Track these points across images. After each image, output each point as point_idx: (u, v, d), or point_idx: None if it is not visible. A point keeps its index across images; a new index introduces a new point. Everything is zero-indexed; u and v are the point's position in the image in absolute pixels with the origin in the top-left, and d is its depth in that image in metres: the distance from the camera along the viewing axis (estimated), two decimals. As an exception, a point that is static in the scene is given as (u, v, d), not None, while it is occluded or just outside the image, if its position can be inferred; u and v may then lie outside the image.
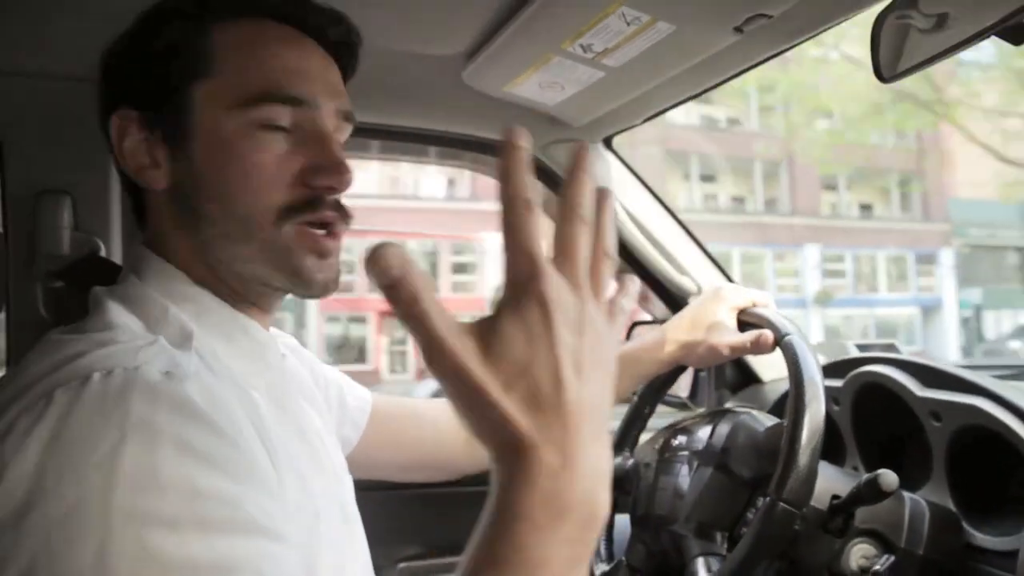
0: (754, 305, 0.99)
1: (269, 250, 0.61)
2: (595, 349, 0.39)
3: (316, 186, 0.61)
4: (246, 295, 0.65)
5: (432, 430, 1.02)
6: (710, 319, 0.98)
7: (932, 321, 18.21)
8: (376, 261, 0.33)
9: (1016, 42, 0.53)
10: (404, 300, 0.34)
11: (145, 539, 0.42)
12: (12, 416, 0.47)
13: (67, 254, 1.00)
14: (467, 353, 0.36)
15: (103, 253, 1.03)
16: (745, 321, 0.98)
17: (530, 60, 0.95)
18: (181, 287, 0.62)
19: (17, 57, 0.95)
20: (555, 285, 0.37)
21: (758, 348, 0.93)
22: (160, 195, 0.63)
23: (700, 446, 0.93)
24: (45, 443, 0.45)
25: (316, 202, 0.61)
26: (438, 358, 0.36)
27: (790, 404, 0.80)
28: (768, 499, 0.78)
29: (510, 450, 0.37)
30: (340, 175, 0.62)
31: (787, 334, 0.87)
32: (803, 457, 0.77)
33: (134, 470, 0.44)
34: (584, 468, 0.37)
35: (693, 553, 0.87)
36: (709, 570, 0.84)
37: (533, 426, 0.36)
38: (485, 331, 0.37)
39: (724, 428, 0.92)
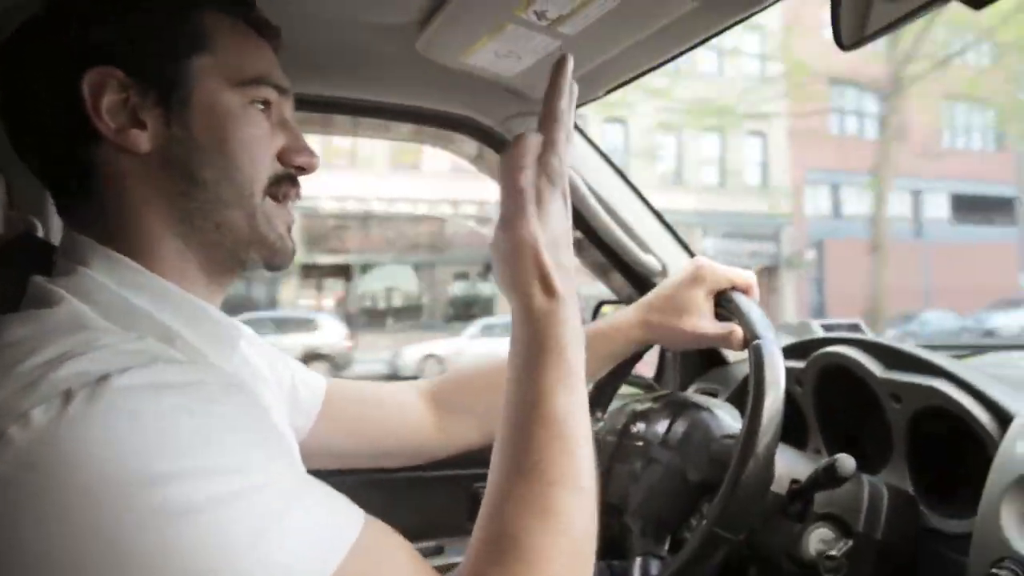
0: (733, 288, 0.93)
1: (255, 218, 0.65)
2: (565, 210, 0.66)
3: (293, 165, 0.68)
4: (209, 269, 0.65)
5: (398, 414, 0.99)
6: (686, 302, 0.93)
7: None
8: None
9: (976, 6, 0.51)
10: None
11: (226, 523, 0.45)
12: (21, 408, 0.46)
13: (1, 234, 0.95)
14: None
15: (40, 234, 0.98)
16: (722, 307, 0.93)
17: (484, 28, 0.91)
18: (133, 275, 0.61)
19: None
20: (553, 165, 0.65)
21: (727, 343, 0.91)
22: (140, 159, 0.61)
23: (656, 440, 0.91)
24: (78, 436, 0.45)
25: (289, 179, 0.68)
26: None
27: (745, 418, 0.77)
28: (704, 524, 0.76)
29: (549, 292, 0.62)
30: (312, 158, 0.69)
31: (757, 338, 0.82)
32: (747, 484, 0.74)
33: (188, 450, 0.46)
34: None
35: (635, 551, 0.86)
36: (646, 573, 0.83)
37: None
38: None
39: (681, 425, 0.90)
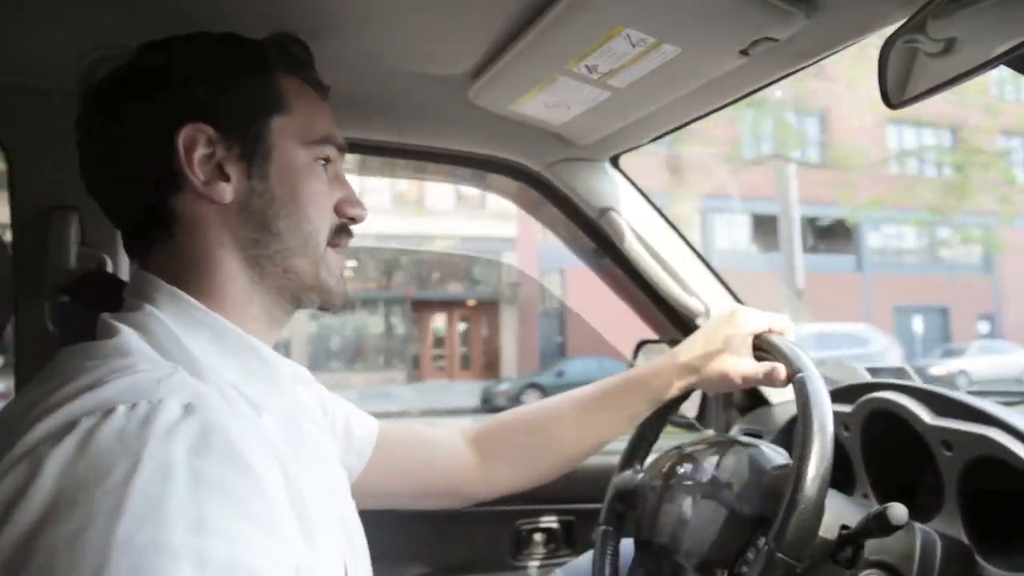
0: (770, 331, 0.95)
1: (319, 265, 0.71)
2: None
3: (348, 216, 0.74)
4: (271, 310, 0.71)
5: (444, 457, 1.01)
6: (724, 344, 0.95)
7: None
8: None
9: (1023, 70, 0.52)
10: None
11: (140, 569, 0.44)
12: (36, 439, 0.49)
13: (74, 269, 1.00)
14: None
15: (109, 268, 1.03)
16: (761, 348, 0.95)
17: (535, 80, 0.94)
18: (194, 312, 0.65)
19: (25, 73, 0.96)
20: None
21: (770, 381, 0.91)
22: (221, 209, 0.67)
23: (705, 477, 0.91)
24: (63, 469, 0.47)
25: (345, 230, 0.74)
26: None
27: (796, 448, 0.78)
28: (767, 548, 0.76)
29: None
30: (363, 210, 0.75)
31: (800, 371, 0.83)
32: (806, 508, 0.74)
33: (142, 499, 0.46)
34: None
35: None
36: None
37: None
38: None
39: (730, 461, 0.90)
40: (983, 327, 18.93)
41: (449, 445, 1.02)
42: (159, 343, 0.61)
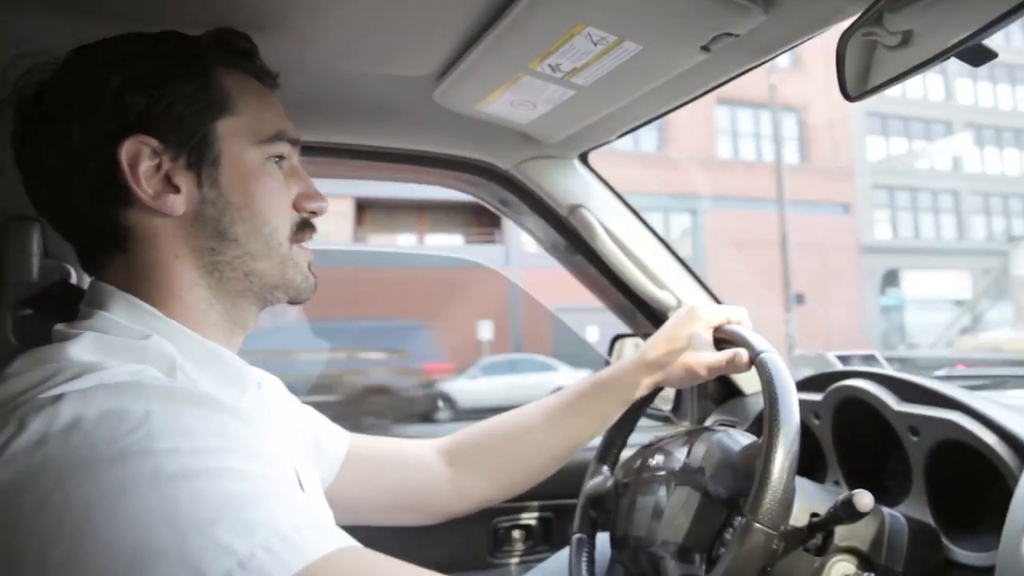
0: (728, 322, 0.98)
1: (285, 264, 0.70)
2: None
3: (308, 211, 0.72)
4: (234, 315, 0.69)
5: (417, 472, 1.00)
6: (685, 339, 0.97)
7: None
8: None
9: (975, 63, 0.53)
10: None
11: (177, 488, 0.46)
12: (18, 417, 0.49)
13: (36, 281, 0.98)
14: None
15: (73, 280, 1.01)
16: (721, 339, 0.97)
17: (499, 80, 0.94)
18: (149, 319, 0.63)
19: None
20: None
21: (734, 367, 0.93)
22: (174, 221, 0.65)
23: (677, 466, 0.92)
24: (67, 425, 0.48)
25: (308, 225, 0.73)
26: None
27: (765, 423, 0.79)
28: (743, 520, 0.77)
29: None
30: (322, 203, 0.73)
31: (761, 352, 0.86)
32: (778, 477, 0.75)
33: (164, 427, 0.48)
34: None
35: None
36: None
37: None
38: None
39: (700, 447, 0.91)
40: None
41: (422, 460, 1.01)
42: (123, 344, 0.60)
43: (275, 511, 0.47)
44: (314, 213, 0.73)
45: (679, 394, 1.43)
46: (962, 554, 0.83)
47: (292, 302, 0.73)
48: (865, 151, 21.25)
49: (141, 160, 0.63)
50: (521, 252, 15.62)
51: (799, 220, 16.67)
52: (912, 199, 22.29)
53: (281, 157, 0.70)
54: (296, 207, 0.71)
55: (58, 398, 0.50)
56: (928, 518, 0.87)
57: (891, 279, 21.18)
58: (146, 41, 0.66)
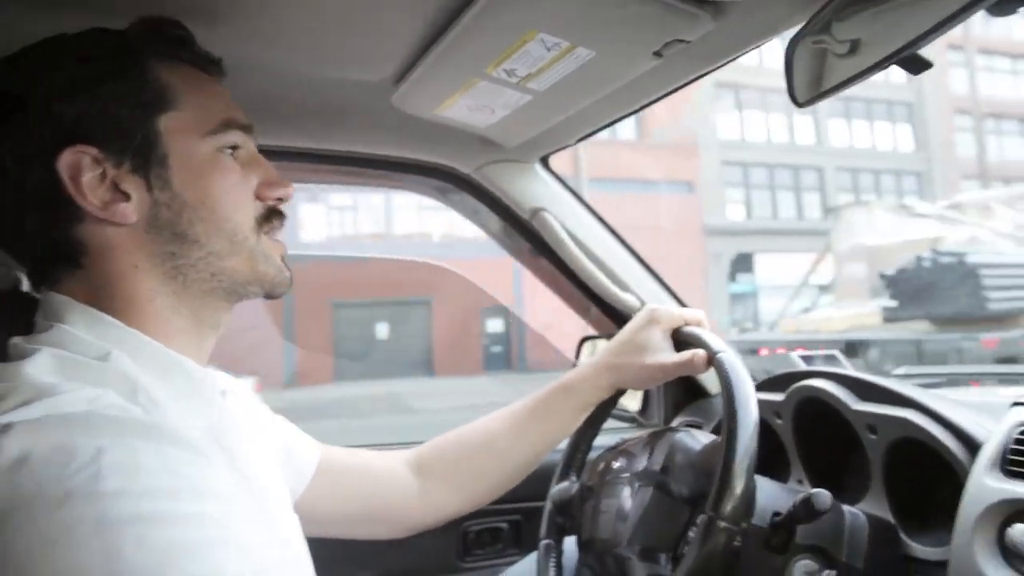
0: (686, 324, 0.98)
1: (253, 259, 0.66)
2: None
3: (271, 199, 0.68)
4: (202, 317, 0.66)
5: (388, 484, 0.99)
6: (644, 342, 0.97)
7: None
8: None
9: (914, 71, 0.54)
10: None
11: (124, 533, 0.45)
12: None
13: None
14: None
15: (25, 288, 0.99)
16: (680, 340, 0.97)
17: (456, 85, 0.93)
18: (110, 330, 0.61)
19: None
20: None
21: (692, 367, 0.93)
22: (128, 230, 0.61)
23: (640, 467, 0.92)
24: (14, 461, 0.47)
25: (274, 213, 0.69)
26: None
27: (724, 422, 0.80)
28: (705, 517, 0.77)
29: None
30: (287, 188, 0.69)
31: (718, 352, 0.87)
32: (738, 474, 0.76)
33: (115, 465, 0.47)
34: None
35: None
36: None
37: None
38: None
39: (662, 448, 0.92)
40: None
41: (392, 472, 1.00)
42: (83, 364, 0.57)
43: (220, 563, 0.46)
44: (280, 200, 0.69)
45: (646, 396, 1.43)
46: (920, 549, 0.84)
47: (268, 296, 0.69)
48: (715, 125, 19.08)
49: (83, 171, 0.59)
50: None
51: (633, 200, 15.82)
52: (769, 176, 20.09)
53: (235, 147, 0.66)
54: (259, 196, 0.67)
55: (6, 428, 0.48)
56: (887, 515, 0.89)
57: (742, 263, 19.35)
58: (68, 42, 0.62)
